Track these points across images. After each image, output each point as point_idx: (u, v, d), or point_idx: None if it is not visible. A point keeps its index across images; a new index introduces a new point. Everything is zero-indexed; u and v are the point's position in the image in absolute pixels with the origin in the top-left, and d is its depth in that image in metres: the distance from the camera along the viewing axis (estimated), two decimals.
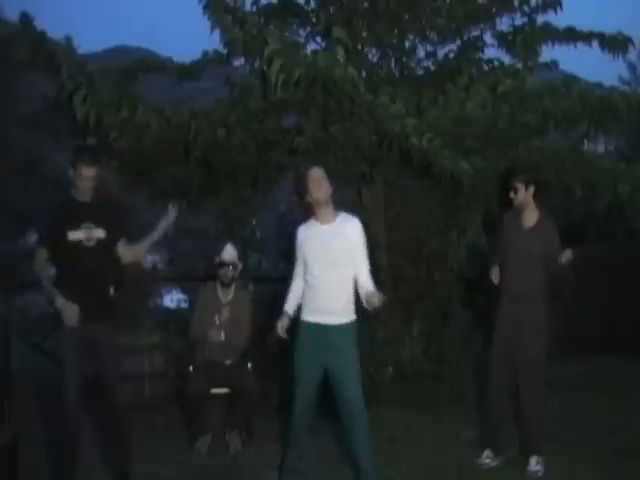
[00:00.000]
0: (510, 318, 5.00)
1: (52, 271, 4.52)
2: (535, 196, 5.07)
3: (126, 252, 4.72)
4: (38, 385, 6.68)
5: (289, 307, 4.68)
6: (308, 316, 4.53)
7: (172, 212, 4.84)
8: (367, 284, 4.44)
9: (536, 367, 4.93)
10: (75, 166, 4.46)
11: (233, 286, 5.94)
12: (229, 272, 5.87)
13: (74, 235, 4.47)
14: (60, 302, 4.37)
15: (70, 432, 4.43)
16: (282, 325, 4.61)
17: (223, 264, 5.86)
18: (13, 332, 6.77)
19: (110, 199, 4.93)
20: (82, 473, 4.53)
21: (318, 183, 4.44)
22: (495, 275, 5.15)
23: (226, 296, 5.94)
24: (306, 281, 4.54)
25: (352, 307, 4.50)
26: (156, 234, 4.84)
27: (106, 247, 4.59)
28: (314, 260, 4.46)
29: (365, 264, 4.48)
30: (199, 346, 5.88)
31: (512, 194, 5.04)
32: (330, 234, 4.43)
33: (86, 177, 4.46)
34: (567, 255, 5.05)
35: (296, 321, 4.66)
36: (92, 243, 4.51)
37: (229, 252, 5.90)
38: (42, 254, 4.49)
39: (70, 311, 4.36)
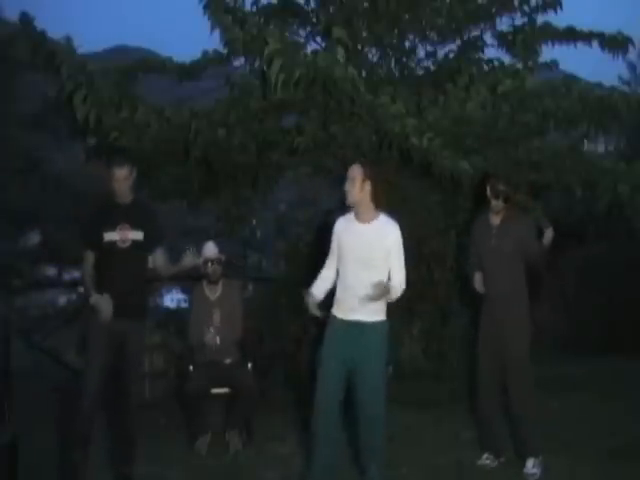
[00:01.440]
0: (492, 318, 5.00)
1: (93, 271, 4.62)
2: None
3: (161, 262, 4.80)
4: (38, 385, 6.69)
5: (315, 288, 4.51)
6: (339, 313, 4.44)
7: (194, 256, 5.04)
8: (395, 286, 4.35)
9: (521, 365, 4.92)
10: (109, 170, 4.60)
11: (221, 283, 5.94)
12: (216, 268, 5.87)
13: (109, 236, 4.56)
14: (94, 297, 4.45)
15: (83, 432, 4.45)
16: (311, 302, 4.43)
17: (206, 261, 5.87)
18: (13, 332, 6.77)
19: (147, 203, 5.10)
20: (88, 473, 4.53)
21: (350, 183, 4.36)
22: (478, 283, 5.13)
23: (214, 293, 5.92)
24: (339, 276, 4.46)
25: (384, 307, 4.43)
26: (181, 267, 4.99)
27: (142, 249, 4.65)
28: (348, 258, 4.38)
29: (400, 270, 4.37)
30: (198, 349, 5.88)
31: (494, 200, 4.98)
32: (367, 235, 4.35)
33: (117, 179, 4.58)
34: (548, 235, 5.01)
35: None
36: (127, 244, 4.58)
37: (210, 249, 5.90)
38: (90, 257, 4.60)
39: (105, 305, 4.43)
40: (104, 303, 4.43)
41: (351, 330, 4.38)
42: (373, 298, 4.23)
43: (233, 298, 5.94)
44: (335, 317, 4.45)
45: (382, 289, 4.24)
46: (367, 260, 4.33)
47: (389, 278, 4.38)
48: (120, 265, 4.55)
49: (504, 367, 4.95)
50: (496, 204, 4.98)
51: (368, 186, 4.33)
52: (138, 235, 4.62)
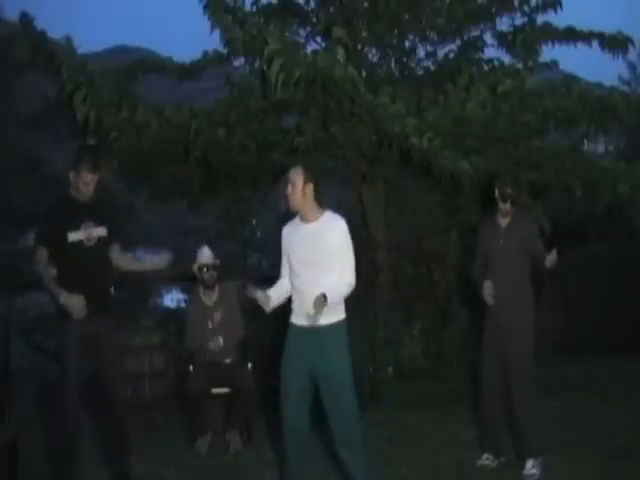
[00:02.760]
0: (497, 320, 4.99)
1: (53, 271, 4.46)
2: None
3: (120, 257, 4.70)
4: (38, 385, 6.68)
5: (270, 290, 4.41)
6: (296, 319, 4.35)
7: (165, 258, 4.86)
8: (337, 283, 4.20)
9: (524, 368, 4.91)
10: (77, 169, 4.48)
11: (217, 287, 5.92)
12: (211, 273, 5.85)
13: (74, 236, 4.47)
14: (64, 297, 4.34)
15: (71, 431, 4.43)
16: (260, 295, 4.30)
17: (202, 267, 5.85)
18: (13, 332, 6.76)
19: (109, 197, 4.96)
20: (81, 473, 4.52)
21: (290, 187, 4.27)
22: (488, 294, 5.02)
23: (211, 299, 5.91)
24: (292, 282, 4.37)
25: (341, 306, 4.31)
26: (146, 265, 4.89)
27: (107, 245, 4.60)
28: (297, 260, 4.30)
29: (348, 267, 4.25)
30: (197, 352, 5.87)
31: (501, 203, 4.95)
32: (312, 234, 4.26)
33: (87, 182, 4.49)
34: (552, 257, 4.96)
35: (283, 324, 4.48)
36: (92, 242, 4.51)
37: (206, 254, 5.88)
38: (43, 253, 4.45)
39: (76, 303, 4.34)
40: (75, 300, 4.33)
41: (310, 336, 4.26)
42: (316, 314, 4.10)
43: (231, 300, 5.92)
44: (293, 324, 4.37)
45: (322, 303, 4.08)
46: (317, 260, 4.22)
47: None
48: (87, 265, 4.47)
49: (507, 368, 4.95)
50: (504, 207, 4.96)
51: (309, 189, 4.25)
52: (103, 231, 4.55)
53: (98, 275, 4.54)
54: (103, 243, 4.57)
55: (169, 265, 4.89)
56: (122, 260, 4.71)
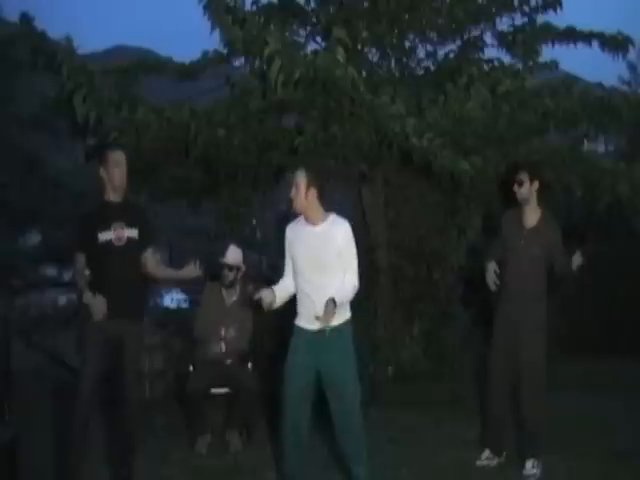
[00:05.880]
0: (509, 318, 4.98)
1: (87, 274, 4.51)
2: (538, 194, 5.04)
3: (152, 262, 4.68)
4: (38, 385, 6.69)
5: (274, 287, 4.41)
6: (303, 322, 4.36)
7: (196, 269, 4.74)
8: (343, 285, 4.23)
9: (536, 367, 4.91)
10: (104, 158, 4.56)
11: (237, 287, 5.93)
12: (230, 274, 5.85)
13: (104, 236, 4.49)
14: (87, 296, 4.36)
15: (78, 430, 4.43)
16: (266, 295, 4.31)
17: (225, 266, 5.85)
18: (13, 332, 6.76)
19: (138, 202, 4.98)
20: (85, 472, 4.53)
21: (294, 189, 4.28)
22: (491, 281, 5.10)
23: (230, 297, 5.92)
24: (297, 285, 4.38)
25: (346, 307, 4.35)
26: (178, 274, 4.85)
27: (137, 247, 4.59)
28: (303, 263, 4.31)
29: (352, 270, 4.29)
30: (200, 345, 5.88)
31: (516, 187, 4.97)
32: (318, 237, 4.27)
33: (119, 162, 4.56)
34: (577, 259, 4.99)
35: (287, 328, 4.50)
36: (122, 242, 4.52)
37: (233, 255, 5.86)
38: (81, 259, 4.50)
39: (98, 305, 4.35)
40: (97, 302, 4.35)
41: (316, 338, 4.27)
42: (327, 319, 4.11)
43: (246, 304, 5.91)
44: (299, 327, 4.37)
45: (332, 307, 4.09)
46: (323, 263, 4.23)
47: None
48: (116, 264, 4.49)
49: (517, 369, 4.93)
50: (519, 191, 4.96)
51: (313, 191, 4.26)
52: (133, 232, 4.56)
53: (127, 277, 4.53)
54: (133, 245, 4.56)
55: (199, 273, 4.81)
56: (155, 266, 4.69)
